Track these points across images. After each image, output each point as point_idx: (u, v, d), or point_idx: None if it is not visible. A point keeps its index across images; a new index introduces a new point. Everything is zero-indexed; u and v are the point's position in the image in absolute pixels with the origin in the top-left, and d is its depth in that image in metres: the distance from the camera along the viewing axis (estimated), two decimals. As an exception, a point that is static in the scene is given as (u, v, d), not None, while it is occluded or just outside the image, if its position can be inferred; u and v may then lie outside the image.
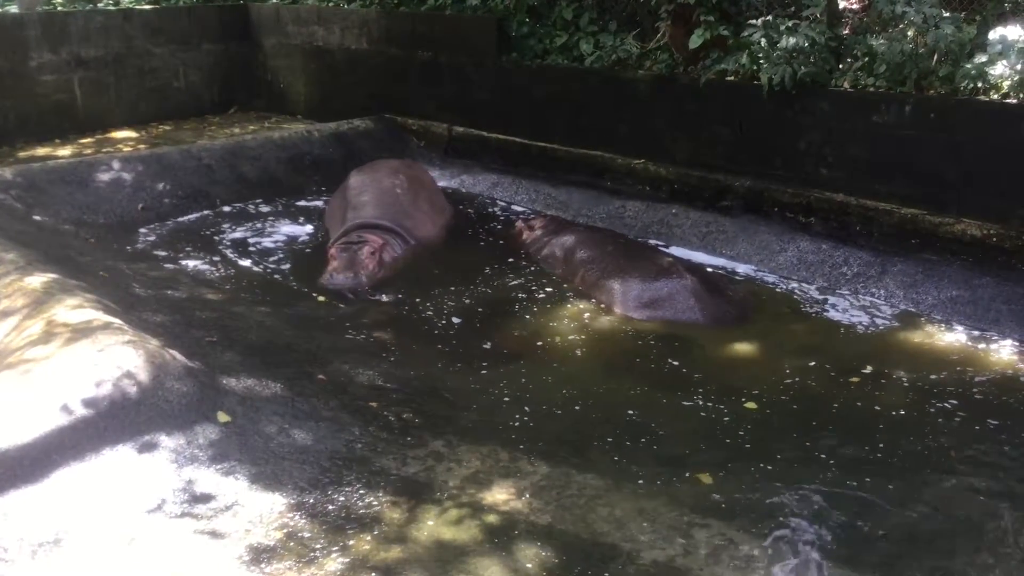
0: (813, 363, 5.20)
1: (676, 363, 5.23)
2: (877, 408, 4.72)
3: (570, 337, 5.59)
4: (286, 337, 5.41)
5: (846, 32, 7.03)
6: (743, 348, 5.43)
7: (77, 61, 10.26)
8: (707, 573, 3.41)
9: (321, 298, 6.22)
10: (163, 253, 7.14)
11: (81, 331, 4.31)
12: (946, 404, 4.73)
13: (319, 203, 8.56)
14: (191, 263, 6.92)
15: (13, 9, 10.88)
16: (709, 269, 6.63)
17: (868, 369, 5.12)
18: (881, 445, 4.35)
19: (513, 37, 8.88)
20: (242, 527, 3.58)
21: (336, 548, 3.49)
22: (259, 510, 3.68)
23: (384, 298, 6.28)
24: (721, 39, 7.33)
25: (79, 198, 7.66)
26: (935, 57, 6.27)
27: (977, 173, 6.08)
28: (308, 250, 7.38)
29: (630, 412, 4.67)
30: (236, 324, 5.52)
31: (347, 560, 3.43)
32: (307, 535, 3.55)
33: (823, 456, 4.27)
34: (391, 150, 9.55)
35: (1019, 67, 5.82)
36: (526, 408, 4.70)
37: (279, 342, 5.30)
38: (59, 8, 11.24)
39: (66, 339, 4.24)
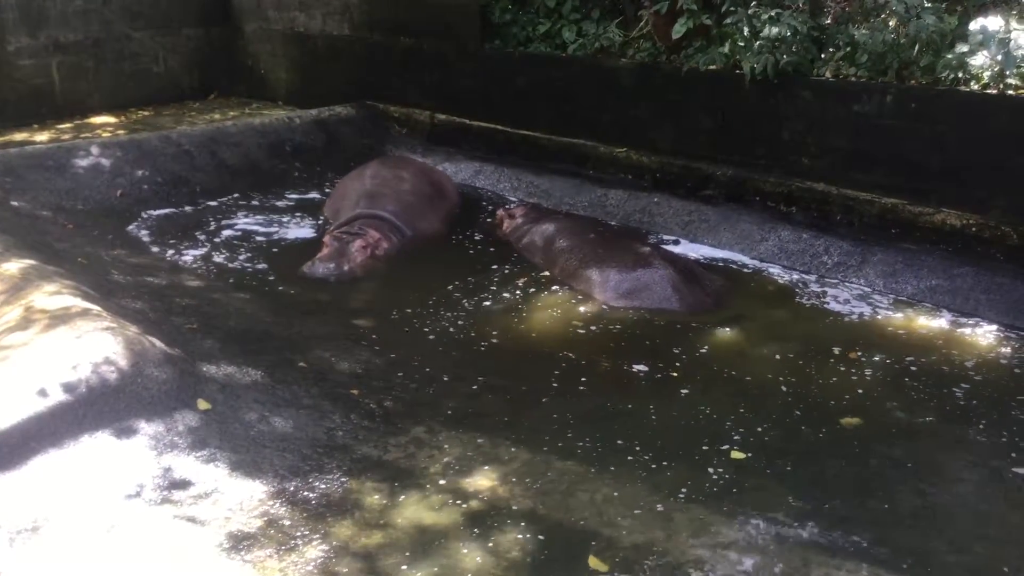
0: (793, 349, 5.23)
1: (655, 351, 5.24)
2: (857, 390, 4.75)
3: (549, 325, 5.60)
4: (266, 324, 5.39)
5: (828, 21, 7.05)
6: (722, 336, 5.45)
7: (55, 45, 10.15)
8: (687, 557, 3.43)
9: (291, 291, 6.18)
10: (142, 240, 7.10)
11: (59, 318, 4.28)
12: (921, 386, 4.78)
13: (300, 190, 8.53)
14: (170, 250, 6.88)
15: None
16: (692, 256, 6.65)
17: (848, 354, 5.14)
18: (861, 427, 4.39)
19: (496, 24, 8.84)
20: (222, 514, 3.57)
21: (317, 535, 3.49)
22: (239, 497, 3.68)
23: (364, 286, 6.26)
24: (704, 28, 7.33)
25: (57, 184, 7.60)
26: (916, 47, 6.29)
27: (957, 163, 6.11)
28: (288, 237, 7.34)
29: (609, 399, 4.68)
30: (216, 311, 5.49)
31: (328, 547, 3.43)
32: (288, 522, 3.55)
33: (804, 439, 4.30)
34: (373, 137, 9.53)
35: (999, 58, 5.85)
36: (506, 395, 4.71)
37: (259, 329, 5.28)
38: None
39: (44, 326, 4.21)
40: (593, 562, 3.38)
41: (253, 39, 11.32)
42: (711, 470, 4.03)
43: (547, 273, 6.39)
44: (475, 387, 4.78)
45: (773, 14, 6.75)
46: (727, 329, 5.52)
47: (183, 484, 3.71)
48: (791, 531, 3.62)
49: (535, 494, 3.80)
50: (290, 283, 6.27)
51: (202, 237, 7.19)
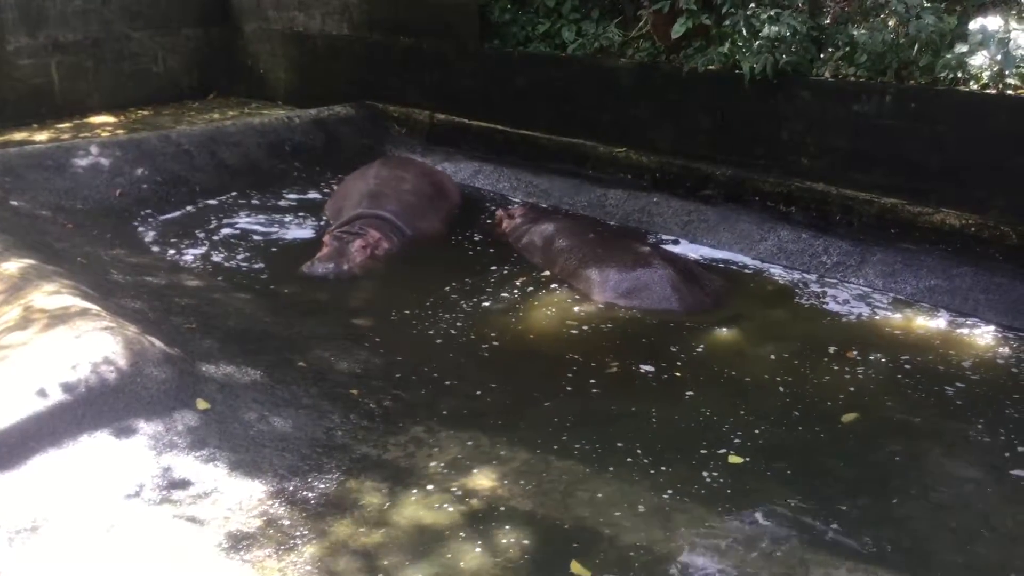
0: (792, 349, 5.23)
1: (654, 351, 5.24)
2: (856, 390, 4.75)
3: (548, 325, 5.60)
4: (265, 324, 5.39)
5: (828, 21, 7.04)
6: (721, 336, 5.45)
7: (55, 45, 10.15)
8: (687, 557, 3.43)
9: (291, 290, 6.18)
10: (141, 239, 7.09)
11: (59, 317, 4.27)
12: (920, 386, 4.78)
13: (299, 189, 8.53)
14: (169, 249, 6.88)
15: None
16: (691, 256, 6.65)
17: (846, 354, 5.14)
18: (860, 427, 4.39)
19: (495, 24, 8.85)
20: (221, 514, 3.57)
21: (316, 534, 3.49)
22: (239, 497, 3.68)
23: (364, 286, 6.26)
24: (703, 28, 7.33)
25: (57, 183, 7.59)
26: (916, 47, 6.29)
27: (956, 163, 6.11)
28: (288, 236, 7.34)
29: (609, 399, 4.69)
30: (215, 311, 5.49)
31: (326, 546, 3.43)
32: (287, 522, 3.55)
33: (802, 440, 4.31)
34: (372, 137, 9.53)
35: (999, 57, 5.85)
36: (506, 395, 4.71)
37: (258, 329, 5.28)
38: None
39: (44, 325, 4.20)
40: (576, 568, 3.36)
41: (252, 39, 11.32)
42: (710, 470, 4.03)
43: (547, 273, 6.39)
44: (474, 387, 4.78)
45: (772, 14, 6.75)
46: (726, 329, 5.52)
47: (182, 484, 3.71)
48: (790, 531, 3.62)
49: (534, 494, 3.80)
50: (289, 283, 6.27)
51: (201, 237, 7.19)
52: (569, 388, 4.81)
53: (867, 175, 6.53)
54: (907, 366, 5.03)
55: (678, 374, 4.97)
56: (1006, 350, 5.20)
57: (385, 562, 3.36)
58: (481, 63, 8.92)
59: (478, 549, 3.45)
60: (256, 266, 6.63)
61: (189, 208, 7.93)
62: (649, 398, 4.70)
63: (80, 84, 10.41)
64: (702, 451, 4.19)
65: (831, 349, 5.23)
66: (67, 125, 9.87)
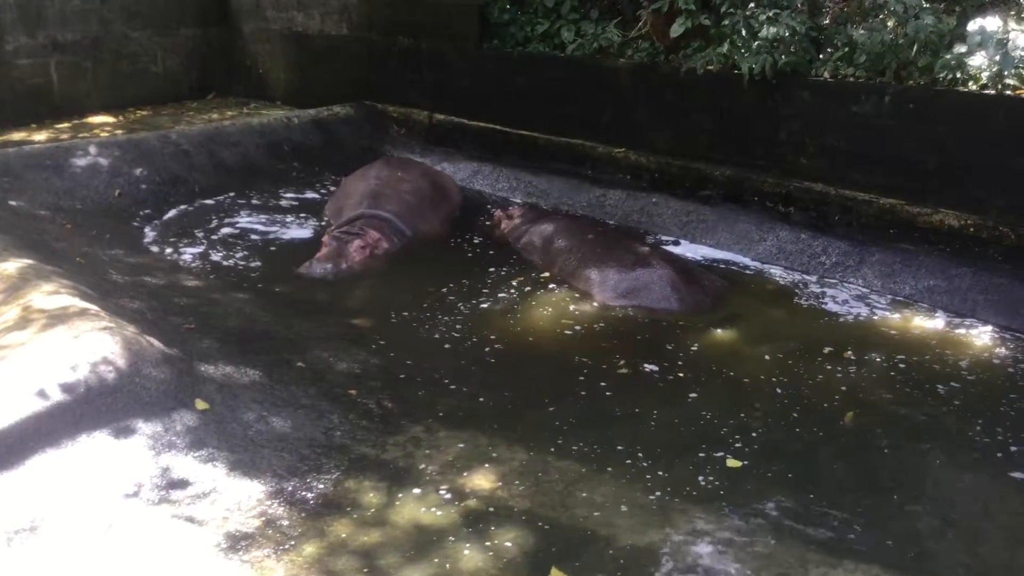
0: (790, 350, 5.23)
1: (653, 351, 5.24)
2: (853, 391, 4.75)
3: (548, 325, 5.60)
4: (264, 324, 5.39)
5: (827, 22, 7.05)
6: (720, 336, 5.45)
7: (54, 45, 10.14)
8: (685, 558, 3.43)
9: (290, 290, 6.18)
10: (140, 239, 7.08)
11: (57, 317, 4.27)
12: (918, 386, 4.78)
13: (298, 189, 8.52)
14: (168, 249, 6.87)
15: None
16: (690, 256, 6.65)
17: (843, 355, 5.15)
18: (858, 428, 4.39)
19: (494, 24, 8.85)
20: (220, 514, 3.57)
21: (314, 534, 3.49)
22: (237, 497, 3.67)
23: (363, 286, 6.26)
24: (702, 28, 7.33)
25: (55, 183, 7.58)
26: (915, 47, 6.30)
27: (955, 164, 6.11)
28: (286, 237, 7.34)
29: (607, 399, 4.69)
30: (214, 311, 5.49)
31: (325, 545, 3.43)
32: (285, 522, 3.55)
33: (800, 440, 4.31)
34: (371, 137, 9.53)
35: (997, 58, 5.86)
36: (505, 395, 4.70)
37: (257, 329, 5.28)
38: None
39: (42, 325, 4.20)
40: (556, 574, 3.35)
41: (251, 39, 11.31)
42: (709, 471, 4.03)
43: (546, 273, 6.39)
44: (473, 387, 4.77)
45: (771, 14, 6.76)
46: (725, 329, 5.52)
47: (181, 484, 3.71)
48: (789, 531, 3.62)
49: (533, 493, 3.80)
50: (288, 283, 6.26)
51: (200, 237, 7.18)
52: (568, 388, 4.80)
53: (866, 175, 6.54)
54: (905, 366, 5.03)
55: (678, 374, 4.97)
56: (1004, 351, 5.21)
57: (383, 562, 3.36)
58: (480, 63, 8.92)
59: (476, 549, 3.44)
60: (255, 266, 6.63)
61: (188, 208, 7.92)
62: (648, 399, 4.69)
63: (79, 84, 10.40)
64: (701, 451, 4.19)
65: (830, 350, 5.23)
66: (66, 125, 9.85)
